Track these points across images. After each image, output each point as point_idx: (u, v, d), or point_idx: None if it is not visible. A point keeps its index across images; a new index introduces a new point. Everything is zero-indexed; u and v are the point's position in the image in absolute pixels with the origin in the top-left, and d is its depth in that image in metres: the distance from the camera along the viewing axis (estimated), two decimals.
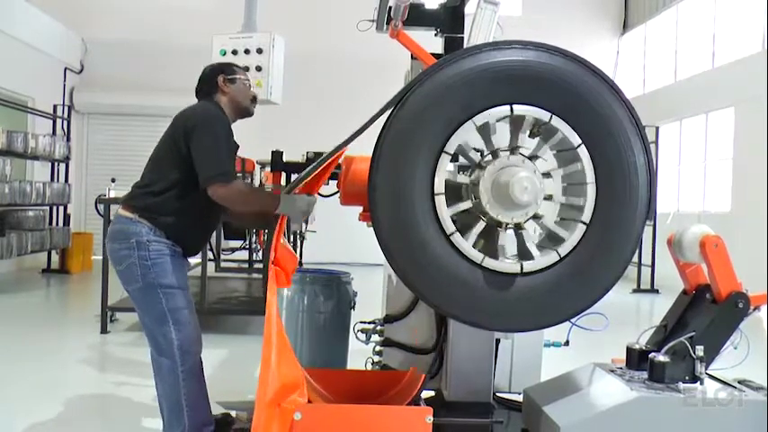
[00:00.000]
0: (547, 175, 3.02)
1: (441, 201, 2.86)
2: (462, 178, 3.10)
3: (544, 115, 2.87)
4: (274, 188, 3.81)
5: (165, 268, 3.21)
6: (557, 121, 2.87)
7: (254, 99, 3.52)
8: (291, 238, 8.95)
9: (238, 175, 3.38)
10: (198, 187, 3.17)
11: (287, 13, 11.93)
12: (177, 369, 3.23)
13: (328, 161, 3.10)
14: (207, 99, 3.39)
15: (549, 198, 3.01)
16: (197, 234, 3.40)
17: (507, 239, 3.10)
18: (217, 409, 3.73)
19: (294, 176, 4.37)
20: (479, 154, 3.08)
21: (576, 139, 2.88)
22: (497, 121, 2.93)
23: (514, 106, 2.85)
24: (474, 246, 2.92)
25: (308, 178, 3.14)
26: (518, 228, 2.99)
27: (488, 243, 3.03)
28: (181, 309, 3.24)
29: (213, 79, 3.40)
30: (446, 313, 3.10)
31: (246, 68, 3.85)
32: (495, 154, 3.00)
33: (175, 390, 3.24)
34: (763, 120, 9.54)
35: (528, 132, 3.05)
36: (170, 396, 3.27)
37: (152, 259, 3.19)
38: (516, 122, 3.00)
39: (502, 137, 3.04)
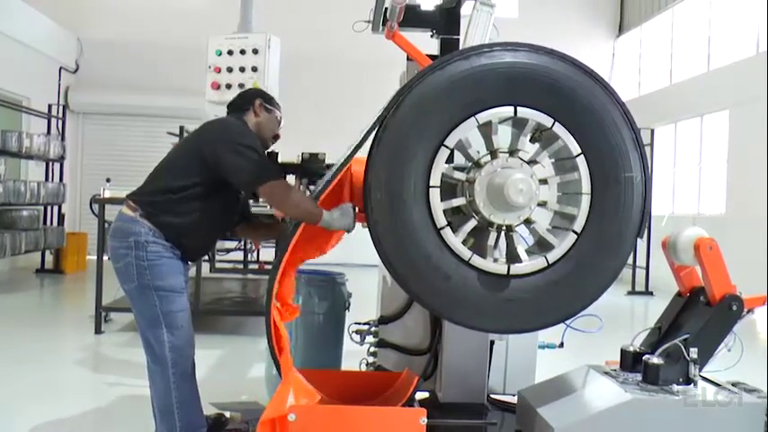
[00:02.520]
0: (543, 181, 3.03)
1: (435, 193, 2.86)
2: (459, 175, 3.10)
3: (547, 121, 2.88)
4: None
5: (161, 270, 3.19)
6: (558, 128, 2.89)
7: (276, 137, 3.55)
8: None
9: None
10: (204, 195, 3.19)
11: (283, 14, 11.92)
12: (168, 372, 3.21)
13: (344, 169, 3.10)
14: (236, 113, 3.41)
15: (543, 204, 3.02)
16: (198, 240, 3.36)
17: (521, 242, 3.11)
18: (210, 410, 3.72)
19: (290, 177, 4.37)
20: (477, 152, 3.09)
21: (575, 148, 2.89)
22: (500, 122, 2.93)
23: (518, 108, 2.87)
24: (463, 243, 2.92)
25: (329, 188, 3.11)
26: (509, 230, 2.99)
27: (478, 242, 3.03)
28: (175, 312, 3.22)
29: (251, 99, 3.44)
30: (427, 306, 3.08)
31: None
32: (494, 154, 3.01)
33: (167, 392, 3.22)
34: (760, 122, 9.57)
35: (529, 137, 3.06)
36: (161, 398, 3.25)
37: (149, 260, 3.17)
38: (518, 125, 3.00)
39: (502, 139, 3.04)
